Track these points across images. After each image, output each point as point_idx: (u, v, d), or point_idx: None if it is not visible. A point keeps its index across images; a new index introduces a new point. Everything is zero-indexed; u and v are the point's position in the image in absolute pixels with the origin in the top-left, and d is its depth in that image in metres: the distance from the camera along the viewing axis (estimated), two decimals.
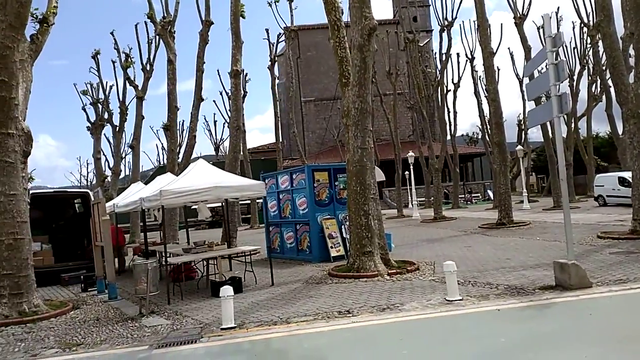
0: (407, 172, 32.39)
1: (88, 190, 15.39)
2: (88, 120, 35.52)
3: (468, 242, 14.74)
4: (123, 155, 37.14)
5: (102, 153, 36.80)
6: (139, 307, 8.41)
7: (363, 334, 6.09)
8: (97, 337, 6.99)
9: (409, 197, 32.45)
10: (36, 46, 10.66)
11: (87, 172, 72.51)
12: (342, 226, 12.99)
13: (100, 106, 34.73)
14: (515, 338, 5.32)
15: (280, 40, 33.54)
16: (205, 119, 65.49)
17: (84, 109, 36.05)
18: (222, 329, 6.73)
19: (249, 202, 36.21)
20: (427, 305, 7.14)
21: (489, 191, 42.23)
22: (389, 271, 10.02)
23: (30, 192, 13.99)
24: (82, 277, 12.02)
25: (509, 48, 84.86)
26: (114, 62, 33.75)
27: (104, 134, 36.15)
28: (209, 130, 51.58)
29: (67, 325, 7.98)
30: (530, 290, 7.58)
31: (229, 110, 41.47)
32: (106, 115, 34.60)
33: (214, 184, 9.69)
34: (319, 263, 12.64)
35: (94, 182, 41.58)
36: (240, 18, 18.87)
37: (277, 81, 41.54)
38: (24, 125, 9.39)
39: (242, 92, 38.29)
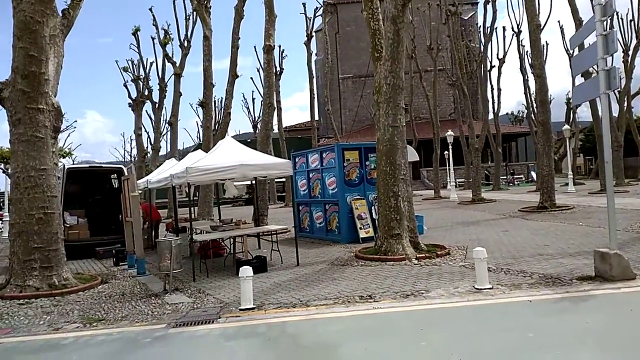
0: (446, 152, 31.49)
1: (122, 166, 15.63)
2: (129, 96, 36.28)
3: (505, 226, 14.13)
4: (163, 132, 37.67)
5: (143, 129, 37.71)
6: (163, 283, 8.43)
7: (382, 322, 5.83)
8: (119, 312, 7.04)
9: (448, 178, 31.63)
10: (67, 21, 10.65)
11: (131, 148, 74.53)
12: (372, 207, 12.66)
13: (140, 83, 35.36)
14: (544, 333, 4.93)
15: (317, 14, 32.86)
16: (243, 96, 65.96)
17: (126, 86, 36.80)
18: (241, 309, 6.62)
19: (284, 179, 36.32)
20: (453, 293, 6.79)
21: (532, 173, 40.67)
22: (418, 255, 9.68)
23: (67, 167, 14.38)
24: (113, 251, 12.25)
25: (558, 21, 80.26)
26: (153, 39, 33.99)
27: (145, 111, 36.94)
28: (247, 108, 51.71)
29: (93, 299, 8.10)
30: (567, 280, 7.09)
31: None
32: (146, 92, 35.21)
33: (239, 162, 9.55)
34: (348, 244, 12.41)
35: (137, 157, 42.65)
36: None
37: (314, 57, 41.05)
38: (54, 100, 9.46)
39: (278, 68, 38.06)
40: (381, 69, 10.68)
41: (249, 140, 51.82)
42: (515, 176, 42.44)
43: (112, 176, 16.36)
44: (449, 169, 30.19)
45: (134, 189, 10.37)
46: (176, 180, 9.98)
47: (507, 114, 68.08)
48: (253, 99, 55.44)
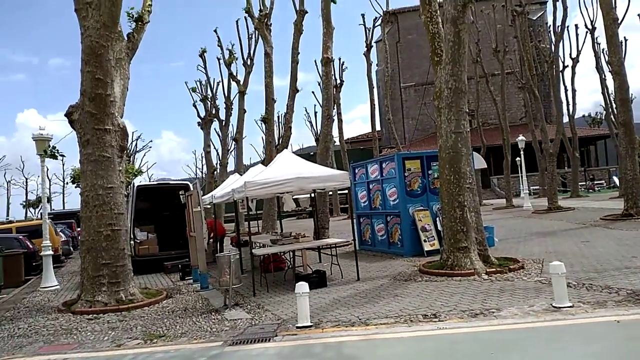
0: (518, 159, 29.88)
1: (188, 182, 16.07)
2: (198, 115, 37.73)
3: (586, 237, 12.99)
4: (230, 148, 38.71)
5: (212, 146, 39.02)
6: (223, 298, 8.40)
7: (447, 344, 5.37)
8: (179, 329, 7.04)
9: (520, 186, 29.94)
10: (132, 44, 11.11)
11: (202, 165, 77.52)
12: (437, 218, 12.08)
13: (208, 102, 36.71)
14: (635, 358, 4.29)
15: (376, 24, 32.59)
16: (305, 110, 66.48)
17: (195, 106, 38.30)
18: (298, 327, 6.40)
19: (346, 191, 36.10)
20: (528, 312, 6.18)
21: (614, 177, 37.65)
22: (488, 270, 9.03)
23: (137, 185, 14.98)
24: (179, 265, 12.51)
25: (639, 15, 74.55)
26: (219, 59, 35.14)
27: (214, 129, 38.25)
28: (310, 122, 52.17)
29: (156, 314, 8.21)
30: None
31: None
32: (214, 111, 36.45)
33: (296, 174, 9.43)
34: (411, 257, 11.90)
35: (207, 174, 44.21)
36: (332, 3, 18.43)
37: (375, 67, 40.69)
38: (120, 121, 9.84)
39: (338, 80, 38.10)
40: (442, 73, 10.21)
41: (312, 153, 52.26)
42: (596, 182, 39.51)
43: (180, 192, 16.88)
44: (522, 176, 28.59)
45: (197, 204, 10.52)
46: (237, 195, 10.02)
47: (583, 116, 63.81)
48: (315, 113, 55.69)
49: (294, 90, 22.74)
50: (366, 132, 61.69)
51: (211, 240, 16.52)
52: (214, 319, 7.49)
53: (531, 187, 40.66)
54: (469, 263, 9.20)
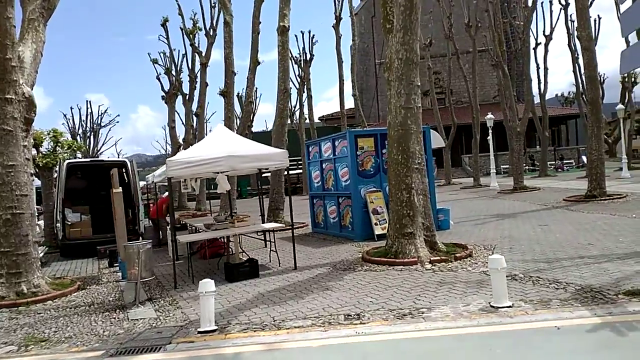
0: (488, 137, 29.28)
1: (126, 160, 14.89)
2: (162, 89, 36.05)
3: (545, 220, 12.38)
4: (192, 124, 37.25)
5: (177, 122, 37.39)
6: (134, 293, 7.41)
7: (358, 357, 4.52)
8: (69, 331, 6.07)
9: (491, 165, 29.43)
10: (48, 3, 9.74)
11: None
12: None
13: (172, 75, 35.00)
14: None
15: None
16: None
17: (158, 78, 36.53)
18: (199, 332, 5.49)
19: (300, 170, 35.14)
20: (462, 313, 5.38)
21: (583, 157, 37.56)
22: (432, 258, 8.25)
23: (67, 161, 13.74)
24: (107, 251, 11.47)
25: None
26: (182, 30, 33.37)
27: (180, 103, 36.61)
28: None
29: (55, 311, 7.21)
30: (610, 295, 5.53)
31: (298, 76, 40.49)
32: (177, 85, 34.78)
33: (227, 153, 8.40)
34: (362, 242, 11.10)
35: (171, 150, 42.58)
36: None
37: (350, 42, 39.10)
38: (25, 89, 8.61)
39: (309, 55, 36.78)
40: (392, 42, 9.23)
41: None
42: (565, 161, 39.42)
43: (123, 170, 15.69)
44: (490, 155, 28.04)
45: (117, 185, 9.44)
46: (157, 178, 8.95)
47: (556, 95, 63.87)
48: (290, 88, 54.45)
49: (254, 62, 21.34)
50: (346, 108, 60.41)
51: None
52: (114, 317, 6.54)
53: (502, 167, 40.52)
54: (413, 250, 8.41)
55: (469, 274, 7.26)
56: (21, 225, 8.21)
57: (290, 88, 42.72)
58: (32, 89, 9.15)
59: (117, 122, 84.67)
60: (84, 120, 54.08)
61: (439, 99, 38.35)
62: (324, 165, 13.02)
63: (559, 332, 4.61)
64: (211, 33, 29.91)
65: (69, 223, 13.23)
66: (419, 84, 9.21)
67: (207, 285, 5.60)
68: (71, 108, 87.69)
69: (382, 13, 9.75)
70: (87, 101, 75.47)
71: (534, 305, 5.45)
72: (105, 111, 58.83)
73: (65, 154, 15.89)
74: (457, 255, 8.34)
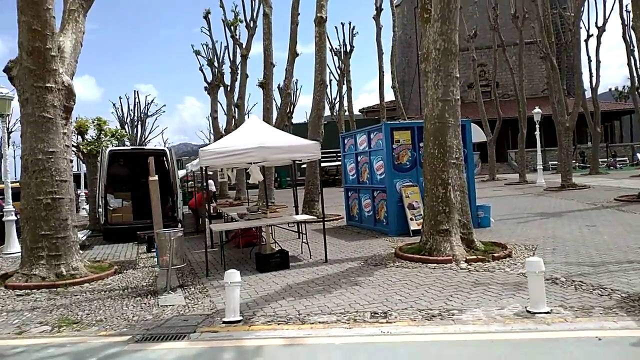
0: (536, 132, 28.09)
1: (165, 148, 15.15)
2: (205, 80, 36.62)
3: (593, 220, 11.74)
4: (234, 114, 37.69)
5: (219, 112, 37.86)
6: (166, 279, 7.49)
7: (380, 357, 4.36)
8: (101, 314, 6.19)
9: (538, 161, 28.23)
10: None
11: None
12: None
13: (214, 66, 35.47)
14: None
15: None
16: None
17: (202, 70, 37.10)
18: (224, 322, 5.46)
19: (339, 162, 34.85)
20: (495, 317, 5.11)
21: (638, 154, 35.63)
22: (468, 257, 7.93)
23: (109, 149, 14.11)
24: (146, 237, 11.71)
25: None
26: (224, 22, 33.72)
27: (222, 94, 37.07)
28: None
29: (91, 294, 7.39)
30: None
31: (338, 67, 40.19)
32: (220, 76, 35.21)
33: (258, 144, 8.35)
34: (396, 237, 10.87)
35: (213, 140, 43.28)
36: None
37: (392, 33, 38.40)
38: (64, 78, 8.83)
39: (349, 46, 36.44)
40: (430, 32, 8.90)
41: (326, 122, 50.89)
42: (618, 159, 37.46)
43: (164, 159, 16.00)
44: (538, 151, 26.91)
45: (153, 173, 9.56)
46: (195, 167, 9.00)
47: (610, 90, 60.61)
48: (330, 81, 54.16)
49: (293, 54, 21.29)
50: (386, 101, 59.15)
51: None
52: (145, 303, 6.62)
53: (550, 163, 38.95)
54: (448, 248, 8.12)
55: (506, 275, 6.93)
56: (61, 210, 8.46)
57: (330, 80, 42.69)
58: (71, 78, 9.39)
59: (163, 111, 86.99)
60: (131, 110, 55.82)
61: (484, 92, 37.11)
62: (359, 158, 12.81)
63: (600, 343, 4.28)
64: (251, 25, 30.03)
65: (111, 208, 13.61)
66: (458, 75, 8.84)
67: (233, 275, 5.55)
68: (120, 98, 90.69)
69: (420, 2, 9.43)
70: (134, 91, 77.72)
71: (574, 312, 5.11)
72: (152, 101, 60.39)
73: (109, 142, 16.36)
74: (495, 254, 7.99)
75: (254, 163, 9.45)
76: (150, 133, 56.85)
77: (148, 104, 57.18)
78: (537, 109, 25.53)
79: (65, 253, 8.38)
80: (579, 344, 4.29)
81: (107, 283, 8.09)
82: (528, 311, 5.16)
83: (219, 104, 37.28)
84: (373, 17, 29.02)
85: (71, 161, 9.03)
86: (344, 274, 7.61)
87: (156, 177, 9.53)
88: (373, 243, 10.36)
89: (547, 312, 5.06)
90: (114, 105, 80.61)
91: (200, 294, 7.01)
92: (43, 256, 8.21)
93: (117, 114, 55.06)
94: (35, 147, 8.39)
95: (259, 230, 9.45)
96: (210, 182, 27.86)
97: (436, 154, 8.59)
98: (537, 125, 25.90)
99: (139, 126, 56.64)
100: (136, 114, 56.23)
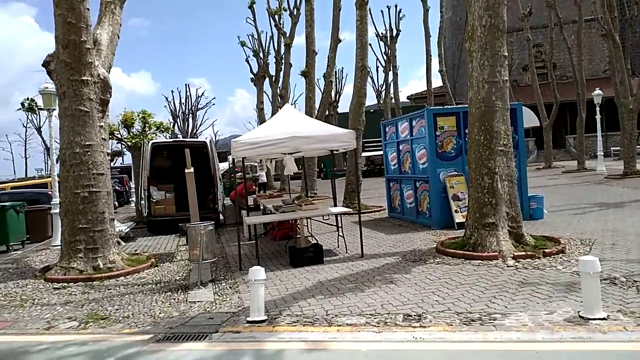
0: (597, 116, 26.28)
1: (206, 140, 15.15)
2: (251, 71, 36.77)
3: None
4: (279, 105, 37.64)
5: (264, 103, 37.97)
6: (198, 274, 7.35)
7: None
8: (128, 310, 6.12)
9: (598, 146, 26.44)
10: None
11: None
12: None
13: (260, 57, 35.52)
14: None
15: None
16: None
17: (247, 61, 37.27)
18: (248, 321, 5.22)
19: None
20: (542, 323, 4.57)
21: None
22: (516, 253, 7.31)
23: (152, 142, 14.25)
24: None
25: None
26: (267, 11, 33.57)
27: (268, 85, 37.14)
28: (370, 77, 49.33)
29: (124, 287, 7.38)
30: None
31: (384, 53, 39.20)
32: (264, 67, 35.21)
33: (291, 133, 8.04)
34: (439, 230, 10.31)
35: None
36: None
37: (444, 15, 36.94)
38: (101, 71, 8.84)
39: (395, 31, 35.41)
40: (475, 7, 8.22)
41: (372, 110, 49.96)
42: None
43: (204, 151, 16.05)
44: (599, 136, 25.18)
45: (189, 165, 9.48)
46: (230, 156, 8.82)
47: None
48: (377, 68, 53.09)
49: (335, 40, 20.83)
50: (435, 86, 57.00)
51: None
52: (174, 299, 6.50)
53: (612, 149, 36.50)
54: (494, 243, 7.53)
55: (558, 274, 6.29)
56: (97, 203, 8.51)
57: (377, 67, 41.71)
58: (108, 71, 9.42)
59: (213, 104, 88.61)
60: (182, 103, 57.09)
61: (540, 74, 35.12)
62: (400, 147, 12.26)
63: None
64: (295, 13, 29.67)
65: (154, 200, 13.78)
66: (506, 54, 8.15)
67: (257, 272, 5.29)
68: (172, 92, 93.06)
69: None
70: (185, 85, 79.51)
71: (635, 319, 4.49)
72: (202, 94, 61.57)
73: (154, 134, 16.60)
74: (546, 250, 7.33)
75: (288, 154, 9.18)
76: (200, 125, 57.86)
77: (198, 97, 58.23)
78: (597, 91, 23.86)
79: (102, 246, 8.44)
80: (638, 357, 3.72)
81: (142, 277, 8.07)
82: (581, 317, 4.58)
83: (265, 94, 37.36)
84: None
85: (108, 154, 9.06)
86: (379, 270, 7.20)
87: (192, 170, 9.45)
88: (414, 237, 9.86)
89: (603, 319, 4.47)
90: (166, 99, 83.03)
91: (230, 289, 6.82)
92: (81, 249, 8.30)
93: (170, 108, 56.52)
94: (72, 141, 8.46)
95: (294, 223, 9.17)
96: (262, 173, 27.98)
97: (482, 140, 7.97)
98: (598, 109, 24.26)
99: (190, 119, 57.85)
100: (187, 107, 57.45)
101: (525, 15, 30.36)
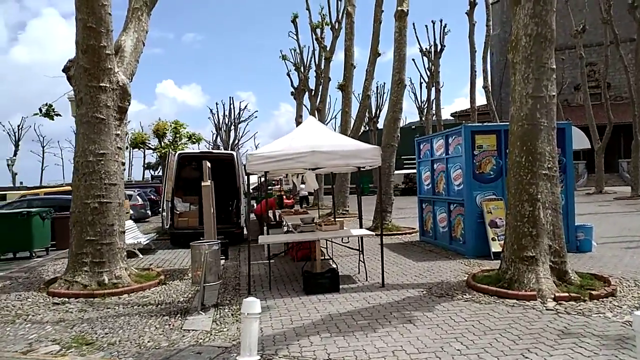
0: None
1: (233, 152, 14.77)
2: (292, 85, 36.69)
3: None
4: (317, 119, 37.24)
5: (303, 117, 37.68)
6: (200, 297, 6.79)
7: None
8: (118, 334, 5.61)
9: None
10: None
11: None
12: None
13: (300, 71, 35.37)
14: None
15: None
16: (410, 81, 60.87)
17: (289, 75, 37.23)
18: None
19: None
20: None
21: None
22: (558, 293, 6.36)
23: (178, 152, 13.98)
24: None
25: None
26: (310, 25, 33.38)
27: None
28: (414, 93, 48.32)
29: (123, 307, 6.91)
30: None
31: (428, 69, 38.26)
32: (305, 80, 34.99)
33: (311, 147, 7.44)
34: (473, 259, 9.41)
35: None
36: None
37: (491, 32, 35.65)
38: (120, 77, 8.55)
39: (439, 46, 34.48)
40: (520, 15, 7.41)
41: (414, 127, 48.84)
42: None
43: (231, 163, 15.68)
44: None
45: (207, 178, 9.04)
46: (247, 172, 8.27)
47: None
48: (420, 84, 51.89)
49: (375, 53, 20.15)
50: (480, 104, 54.55)
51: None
52: (169, 325, 5.95)
53: None
54: (533, 280, 6.61)
55: (606, 323, 5.33)
56: (108, 215, 8.15)
57: (421, 83, 40.75)
58: (131, 79, 9.15)
59: (255, 117, 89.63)
60: (226, 116, 57.87)
61: (593, 94, 33.23)
62: (435, 166, 11.42)
63: None
64: (336, 27, 29.33)
65: (178, 212, 13.46)
66: (554, 66, 7.26)
67: (251, 305, 4.64)
68: (216, 104, 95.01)
69: None
70: (229, 97, 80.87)
71: None
72: (245, 107, 62.25)
73: (185, 145, 16.42)
74: (593, 292, 6.34)
75: (310, 169, 8.58)
76: (241, 137, 58.40)
77: (241, 109, 58.86)
78: None
79: (109, 260, 8.05)
80: None
81: (145, 295, 7.59)
82: None
83: (304, 108, 37.13)
84: (466, 13, 27.02)
85: (123, 164, 8.72)
86: (399, 304, 6.42)
87: (209, 183, 9.01)
88: (444, 265, 8.99)
89: None
90: (210, 111, 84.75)
91: (231, 317, 6.21)
92: (87, 263, 7.93)
93: (214, 120, 57.41)
94: (86, 149, 8.16)
95: (312, 244, 8.52)
96: (302, 186, 27.43)
97: (523, 162, 7.10)
98: None
99: (233, 131, 58.48)
100: (230, 120, 58.14)
101: (578, 32, 28.83)
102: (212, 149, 48.85)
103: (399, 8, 14.67)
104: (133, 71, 9.31)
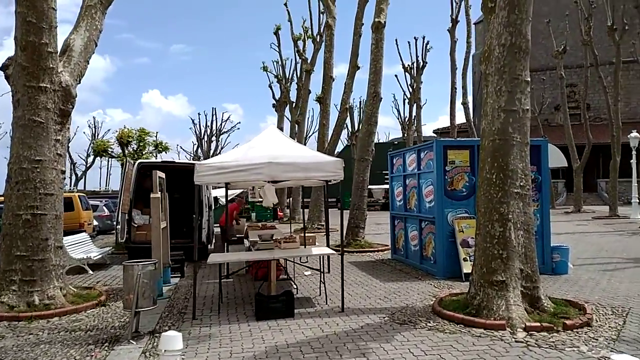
0: (632, 160, 24.30)
1: (196, 162, 14.05)
2: (273, 97, 36.13)
3: None
4: (296, 132, 36.70)
5: (284, 130, 37.08)
6: (134, 323, 6.05)
7: None
8: None
9: (633, 192, 24.35)
10: None
11: None
12: None
13: (282, 83, 34.87)
14: None
15: None
16: (394, 96, 60.65)
17: (270, 87, 36.70)
18: None
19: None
20: None
21: None
22: (529, 322, 5.79)
23: (139, 161, 13.23)
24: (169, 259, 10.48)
25: None
26: (292, 37, 33.02)
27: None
28: (397, 109, 48.10)
29: (48, 333, 6.14)
30: None
31: (410, 85, 38.11)
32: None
33: (268, 159, 6.81)
34: (443, 280, 8.83)
35: None
36: None
37: (473, 51, 35.66)
38: (63, 78, 7.85)
39: (421, 62, 34.38)
40: (494, 24, 6.95)
41: (396, 142, 48.52)
42: None
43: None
44: (634, 182, 23.26)
45: (156, 189, 8.35)
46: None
47: None
48: (404, 100, 51.66)
49: (354, 66, 19.71)
50: (461, 122, 54.34)
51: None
52: (92, 356, 5.21)
53: None
54: (502, 307, 6.03)
55: (581, 358, 4.75)
56: (41, 228, 7.38)
57: (404, 99, 40.56)
58: (79, 80, 8.45)
59: (238, 128, 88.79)
60: (208, 126, 57.08)
61: (572, 114, 33.37)
62: (407, 181, 10.89)
63: None
64: (318, 39, 29.03)
65: (135, 225, 12.66)
66: (528, 79, 6.79)
67: (170, 340, 3.98)
68: (199, 114, 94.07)
69: None
70: (212, 108, 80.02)
71: None
72: (228, 118, 61.53)
73: (150, 154, 15.66)
74: (567, 321, 5.77)
75: (269, 182, 7.94)
76: (222, 148, 57.62)
77: (224, 121, 58.12)
78: (634, 133, 22.20)
79: (41, 278, 7.26)
80: None
81: (78, 319, 6.81)
82: None
83: (286, 120, 36.58)
84: (448, 30, 26.94)
85: (63, 172, 7.98)
86: (355, 334, 5.77)
87: (158, 195, 8.33)
88: (412, 287, 8.39)
89: None
90: (192, 121, 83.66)
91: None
92: (16, 281, 7.13)
93: (195, 131, 56.56)
94: (20, 155, 7.41)
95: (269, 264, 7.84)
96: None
97: (494, 179, 6.57)
98: (634, 152, 22.44)
99: (215, 141, 57.65)
100: (212, 130, 57.33)
101: (559, 52, 28.94)
102: (192, 159, 47.93)
103: (376, 19, 14.26)
104: (82, 72, 8.60)
